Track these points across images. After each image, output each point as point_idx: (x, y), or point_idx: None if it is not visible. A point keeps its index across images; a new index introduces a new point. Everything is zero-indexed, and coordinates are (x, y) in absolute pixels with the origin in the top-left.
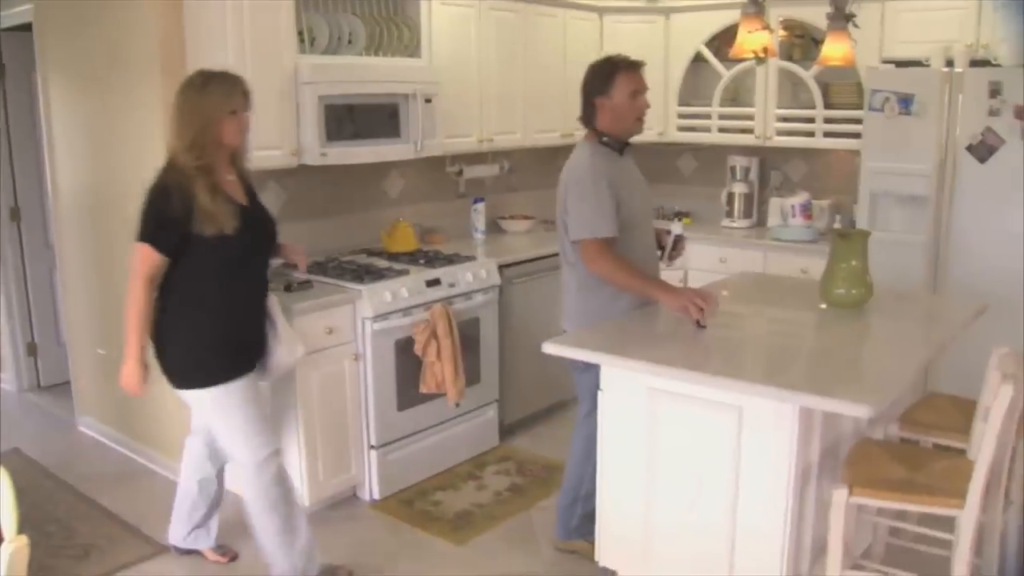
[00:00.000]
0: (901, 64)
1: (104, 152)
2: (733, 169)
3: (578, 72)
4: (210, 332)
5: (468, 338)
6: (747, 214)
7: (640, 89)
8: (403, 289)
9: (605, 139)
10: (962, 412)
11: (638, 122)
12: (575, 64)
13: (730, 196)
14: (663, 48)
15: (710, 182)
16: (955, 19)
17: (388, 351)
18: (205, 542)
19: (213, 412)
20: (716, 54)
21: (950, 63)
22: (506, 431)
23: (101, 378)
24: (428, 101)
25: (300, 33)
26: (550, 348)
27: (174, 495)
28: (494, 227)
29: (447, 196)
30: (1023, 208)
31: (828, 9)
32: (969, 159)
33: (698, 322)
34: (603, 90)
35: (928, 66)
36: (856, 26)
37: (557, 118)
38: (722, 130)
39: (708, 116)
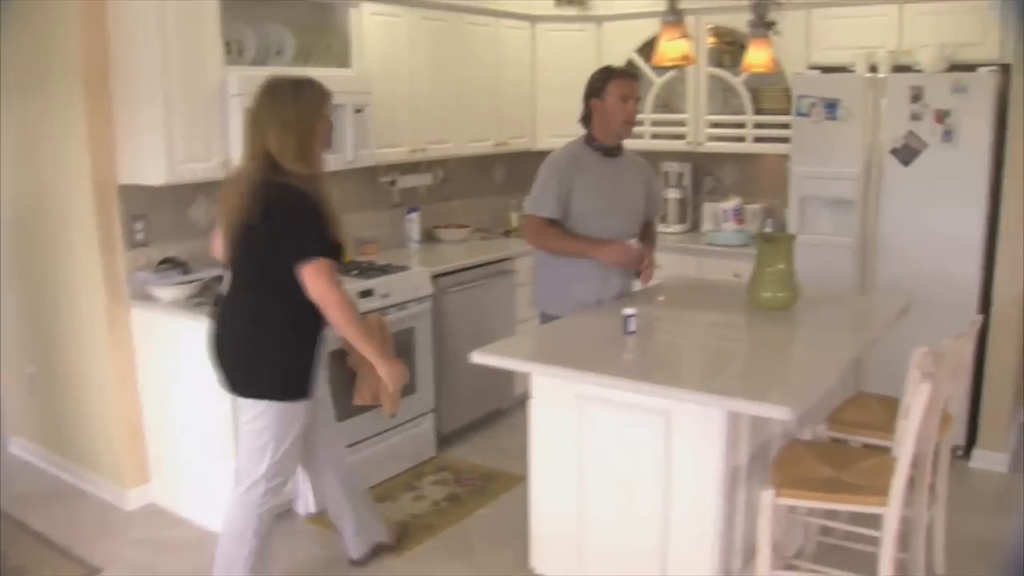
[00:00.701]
0: (827, 70)
1: (28, 162)
2: (667, 175)
3: (511, 80)
4: (310, 344)
5: (403, 348)
6: (681, 219)
7: (630, 95)
8: None
9: (589, 140)
10: (889, 410)
11: (626, 125)
12: (508, 73)
13: (664, 202)
14: (595, 56)
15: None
16: (879, 26)
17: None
18: (377, 534)
19: (270, 425)
20: (648, 61)
21: (874, 69)
22: (443, 441)
23: (30, 397)
24: (359, 111)
25: (228, 44)
26: (479, 358)
27: (107, 514)
28: (430, 236)
29: (381, 206)
30: (946, 209)
31: (750, 16)
32: (893, 162)
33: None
34: (597, 93)
35: (853, 72)
36: (777, 33)
37: (490, 127)
38: (655, 136)
39: (640, 123)
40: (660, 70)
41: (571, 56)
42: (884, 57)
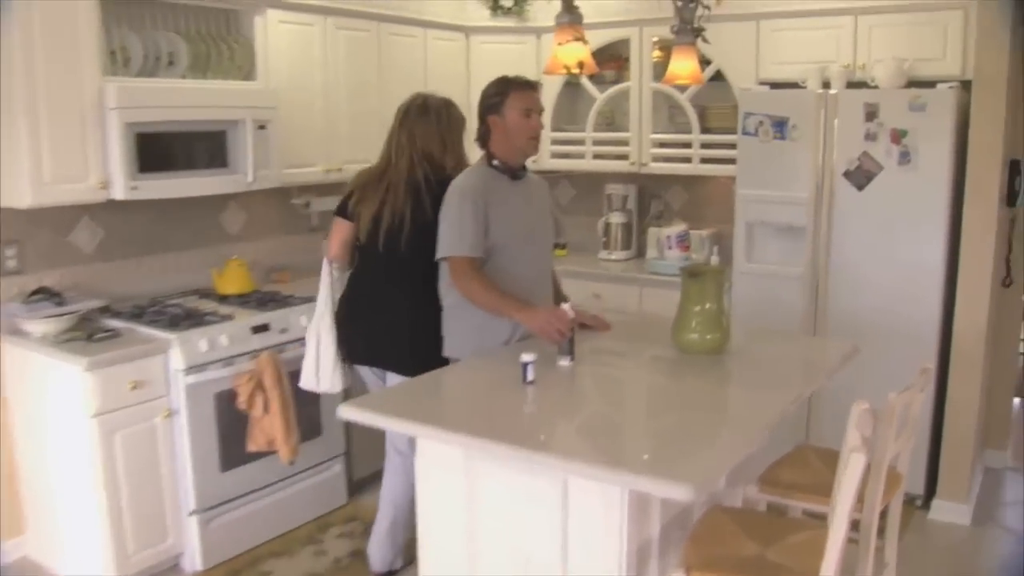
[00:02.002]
0: (776, 86)
1: None
2: (610, 197)
3: (439, 93)
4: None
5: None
6: (626, 245)
7: (532, 108)
8: (223, 337)
9: (495, 162)
10: (830, 467)
11: (532, 142)
12: (439, 88)
13: (607, 226)
14: (535, 70)
15: (589, 211)
16: (832, 39)
17: (207, 406)
18: (402, 560)
19: None
20: (591, 77)
21: (827, 85)
22: (355, 487)
23: None
24: (262, 128)
25: (113, 53)
26: (346, 412)
27: None
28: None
29: (297, 230)
30: (903, 237)
31: (673, 22)
32: (846, 186)
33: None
34: (494, 108)
35: (804, 88)
36: (705, 40)
37: None
38: (597, 156)
39: (582, 142)
40: (602, 86)
41: (509, 70)
42: (837, 72)
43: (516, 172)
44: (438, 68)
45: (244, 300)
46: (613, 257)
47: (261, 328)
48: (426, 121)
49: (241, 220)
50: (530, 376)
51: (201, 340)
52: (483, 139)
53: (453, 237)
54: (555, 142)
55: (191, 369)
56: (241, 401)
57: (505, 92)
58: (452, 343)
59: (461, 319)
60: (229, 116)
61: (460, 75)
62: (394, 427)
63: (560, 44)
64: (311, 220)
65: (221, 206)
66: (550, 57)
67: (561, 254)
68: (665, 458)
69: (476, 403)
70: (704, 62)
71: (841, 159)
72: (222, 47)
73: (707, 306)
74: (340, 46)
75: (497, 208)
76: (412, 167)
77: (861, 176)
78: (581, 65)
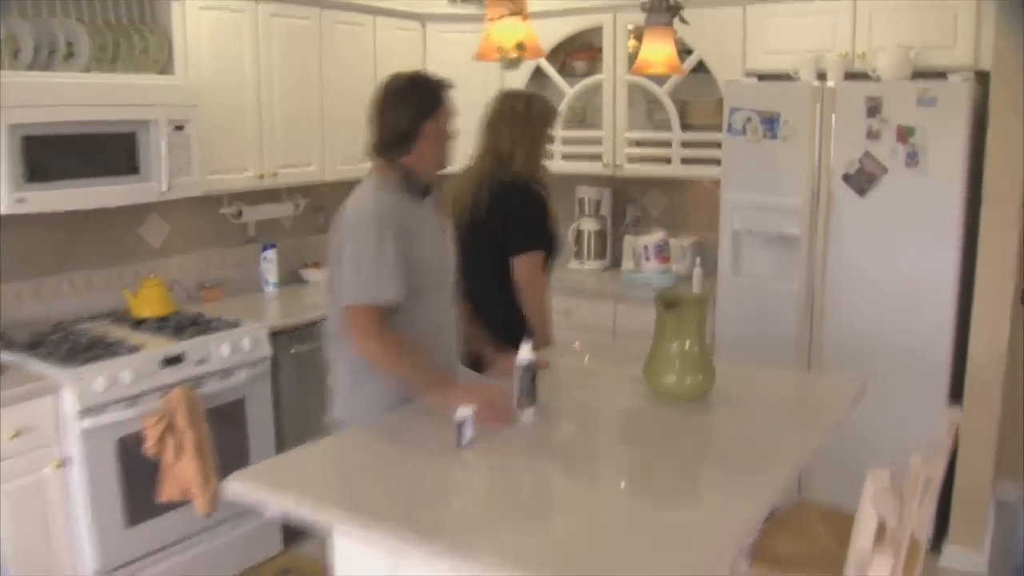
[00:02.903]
0: (765, 77)
1: None
2: (582, 202)
3: None
4: None
5: (230, 425)
6: (599, 254)
7: (455, 114)
8: (125, 372)
9: (409, 178)
10: (836, 534)
11: (450, 155)
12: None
13: (579, 234)
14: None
15: (561, 214)
16: (828, 25)
17: (107, 453)
18: None
19: None
20: (561, 69)
21: (822, 76)
22: (291, 535)
23: None
24: (179, 128)
25: None
26: (237, 488)
27: None
28: (294, 277)
29: (232, 242)
30: (910, 248)
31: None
32: (846, 191)
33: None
34: (430, 112)
35: (797, 80)
36: (684, 21)
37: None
38: (567, 157)
39: (550, 139)
40: (572, 78)
41: (469, 62)
42: (834, 62)
43: (426, 190)
44: (390, 61)
45: (160, 325)
46: (586, 267)
47: (173, 360)
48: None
49: (164, 232)
50: (466, 438)
51: (98, 377)
52: (397, 146)
53: (366, 279)
54: None
55: (87, 411)
56: (149, 446)
57: (441, 91)
58: (353, 403)
59: (367, 381)
60: (139, 116)
61: (415, 67)
62: (297, 509)
63: (492, 21)
64: (247, 230)
65: (140, 217)
66: (482, 38)
67: None
68: (625, 561)
69: (397, 476)
70: (684, 51)
71: (840, 160)
72: (133, 37)
73: (687, 345)
74: (274, 36)
75: (416, 237)
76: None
77: (862, 179)
78: (522, 47)
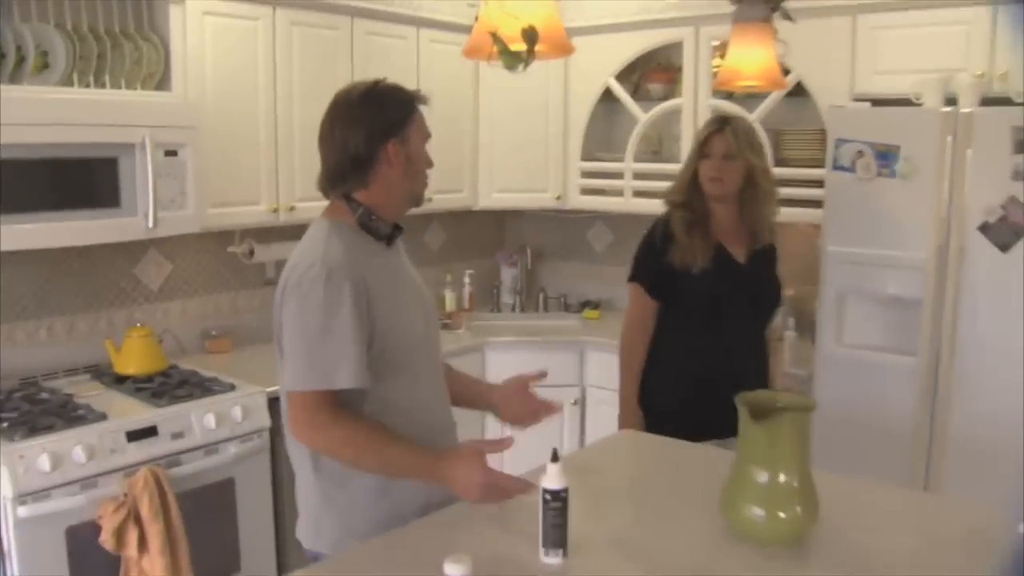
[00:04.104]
0: (880, 103)
1: None
2: None
3: (442, 115)
4: None
5: (214, 512)
6: None
7: (429, 134)
8: (79, 448)
9: (371, 217)
10: None
11: (425, 184)
12: (437, 104)
13: None
14: (562, 83)
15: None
16: (959, 38)
17: (52, 547)
18: None
19: None
20: (635, 92)
21: (952, 101)
22: None
23: None
24: (172, 154)
25: None
26: None
27: None
28: None
29: (245, 284)
30: None
31: None
32: (984, 245)
33: None
34: (395, 130)
35: (920, 105)
36: (789, 17)
37: None
38: (639, 193)
39: (620, 175)
40: (646, 103)
41: (528, 84)
42: (969, 84)
43: (394, 233)
44: (436, 79)
45: (142, 385)
46: None
47: (143, 433)
48: None
49: (164, 272)
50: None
51: (43, 455)
52: (352, 178)
53: (312, 358)
54: (586, 174)
55: (26, 496)
56: (105, 539)
57: (410, 105)
58: (322, 527)
59: (338, 490)
60: (120, 138)
61: (466, 89)
62: None
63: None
64: (265, 271)
65: (136, 254)
66: (474, 29)
67: (593, 316)
68: None
69: None
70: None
71: (976, 206)
72: (124, 47)
73: (781, 476)
74: (295, 48)
75: (384, 296)
76: None
77: (1006, 231)
78: (532, 36)
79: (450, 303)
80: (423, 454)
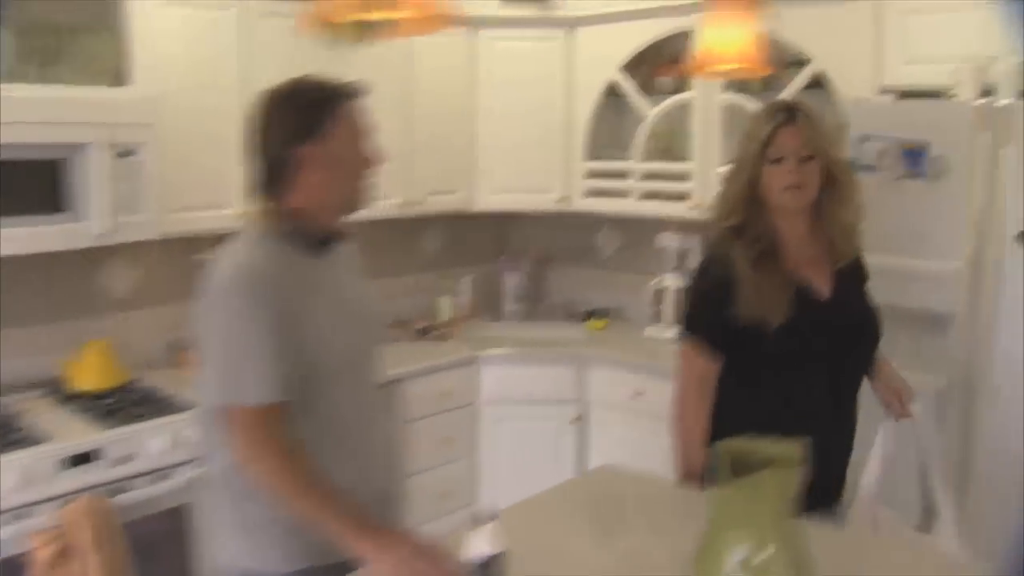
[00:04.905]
0: (908, 95)
1: None
2: (663, 252)
3: (437, 112)
4: None
5: (167, 541)
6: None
7: (368, 129)
8: (10, 474)
9: (297, 226)
10: None
11: (366, 187)
12: (431, 100)
13: (658, 292)
14: (565, 77)
15: (640, 267)
16: (994, 23)
17: None
18: None
19: None
20: (644, 86)
21: (989, 93)
22: None
23: None
24: (127, 154)
25: None
26: None
27: None
28: None
29: None
30: None
31: None
32: (1022, 255)
33: None
34: (311, 131)
35: (952, 98)
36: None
37: (395, 177)
38: (647, 195)
39: (627, 175)
40: (655, 97)
41: (530, 76)
42: (1008, 74)
43: (327, 240)
44: (431, 75)
45: (93, 403)
46: (665, 335)
47: (84, 458)
48: None
49: (130, 280)
50: None
51: None
52: (274, 186)
53: (230, 373)
54: (592, 175)
55: None
56: (36, 573)
57: (329, 103)
58: (250, 544)
59: (256, 514)
60: (68, 137)
61: (463, 84)
62: None
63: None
64: None
65: (98, 261)
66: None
67: (598, 326)
68: None
69: None
70: (796, 62)
71: (1014, 212)
72: (79, 40)
73: (769, 546)
74: (268, 41)
75: (311, 308)
76: None
77: None
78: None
79: (446, 311)
80: (350, 521)
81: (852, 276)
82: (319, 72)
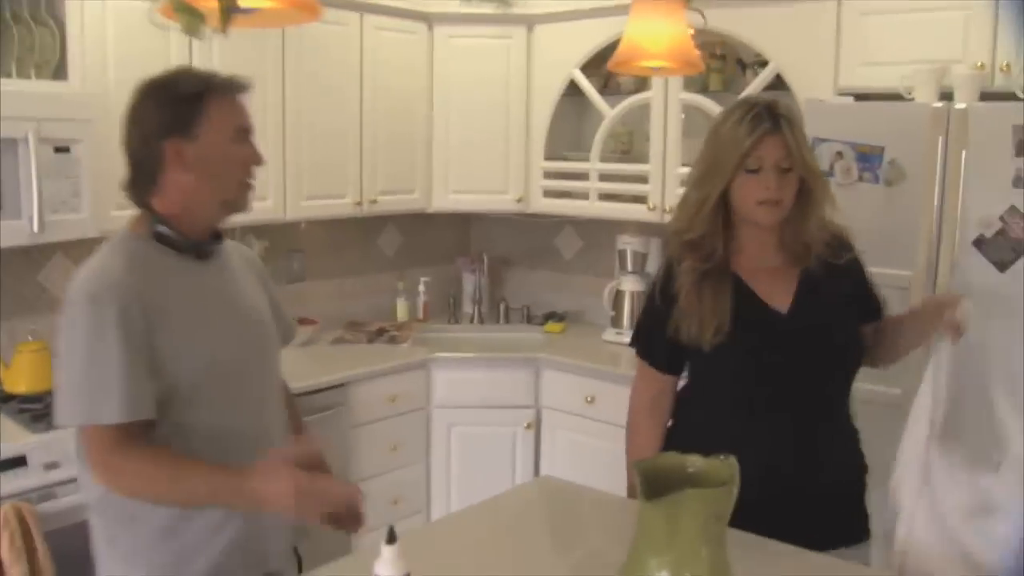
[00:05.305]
0: (865, 97)
1: None
2: (623, 255)
3: (393, 109)
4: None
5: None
6: None
7: (247, 127)
8: None
9: (163, 230)
10: None
11: (243, 188)
12: (387, 98)
13: (617, 295)
14: (523, 75)
15: (600, 269)
16: (956, 26)
17: None
18: None
19: None
20: (604, 87)
21: (947, 96)
22: None
23: None
24: (63, 150)
25: None
26: None
27: None
28: None
29: None
30: None
31: None
32: (979, 262)
33: None
34: (180, 126)
35: (911, 100)
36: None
37: (346, 177)
38: (606, 197)
39: (586, 175)
40: (614, 97)
41: (487, 74)
42: (966, 77)
43: (204, 245)
44: (385, 72)
45: (25, 407)
46: (624, 339)
47: (8, 463)
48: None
49: (69, 278)
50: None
51: None
52: (143, 183)
53: (87, 387)
54: (550, 175)
55: None
56: None
57: (199, 97)
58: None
59: (120, 521)
60: (1, 131)
61: (418, 81)
62: None
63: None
64: None
65: (40, 260)
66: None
67: (555, 329)
68: None
69: None
70: (757, 64)
71: (971, 217)
72: (15, 31)
73: (687, 544)
74: (223, 39)
75: (178, 318)
76: None
77: (1004, 247)
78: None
79: (402, 313)
80: (225, 475)
81: (829, 283)
82: (196, 66)
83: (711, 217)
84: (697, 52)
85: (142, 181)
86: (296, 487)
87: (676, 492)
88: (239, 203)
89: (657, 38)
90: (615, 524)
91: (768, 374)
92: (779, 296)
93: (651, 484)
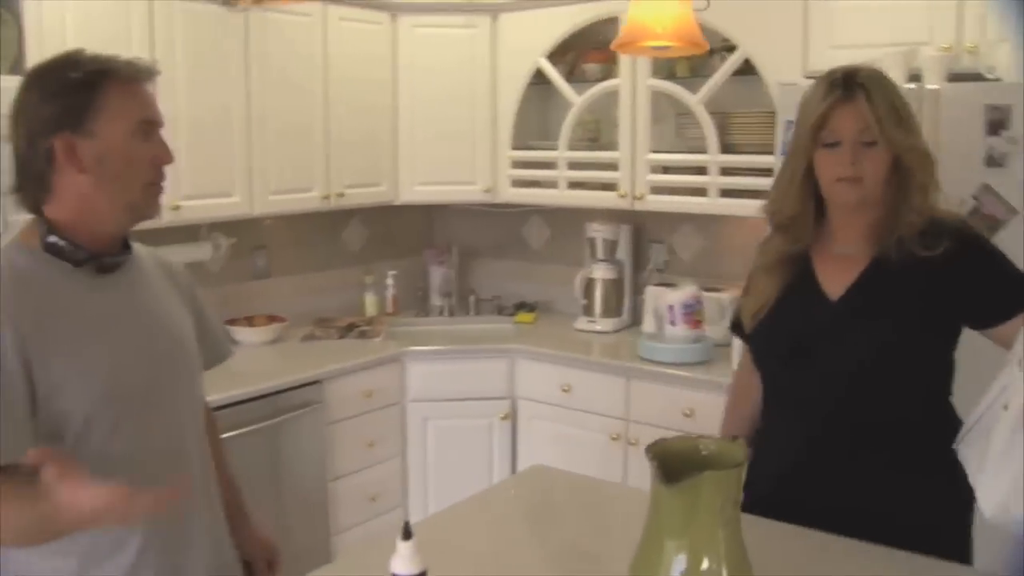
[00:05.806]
0: None
1: None
2: (592, 243)
3: (359, 104)
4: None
5: None
6: (614, 310)
7: (153, 120)
8: None
9: (56, 240)
10: None
11: (150, 191)
12: (351, 91)
13: (588, 283)
14: (489, 64)
15: (570, 258)
16: (922, 8)
17: None
18: None
19: None
20: (570, 74)
21: (915, 78)
22: None
23: None
24: None
25: None
26: None
27: None
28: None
29: None
30: None
31: None
32: None
33: None
34: (70, 120)
35: None
36: None
37: (313, 170)
38: (575, 185)
39: (554, 164)
40: (581, 84)
41: (453, 64)
42: (934, 59)
43: (105, 257)
44: (347, 63)
45: None
46: (596, 328)
47: None
48: None
49: None
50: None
51: None
52: (32, 187)
53: None
54: (517, 164)
55: None
56: None
57: (96, 86)
58: None
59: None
60: None
61: (382, 71)
62: None
63: None
64: None
65: None
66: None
67: (526, 319)
68: None
69: None
70: (725, 49)
71: (944, 197)
72: None
73: (704, 560)
74: (179, 29)
75: (61, 345)
76: None
77: (978, 225)
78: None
79: (371, 307)
80: (36, 503)
81: (904, 275)
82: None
83: (799, 196)
84: (696, 27)
85: (31, 185)
86: (83, 506)
87: (691, 475)
88: (146, 208)
89: (662, 18)
90: (619, 511)
91: (802, 365)
92: (839, 282)
93: (665, 467)
